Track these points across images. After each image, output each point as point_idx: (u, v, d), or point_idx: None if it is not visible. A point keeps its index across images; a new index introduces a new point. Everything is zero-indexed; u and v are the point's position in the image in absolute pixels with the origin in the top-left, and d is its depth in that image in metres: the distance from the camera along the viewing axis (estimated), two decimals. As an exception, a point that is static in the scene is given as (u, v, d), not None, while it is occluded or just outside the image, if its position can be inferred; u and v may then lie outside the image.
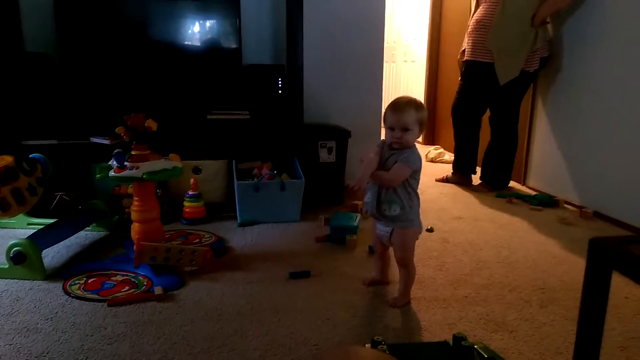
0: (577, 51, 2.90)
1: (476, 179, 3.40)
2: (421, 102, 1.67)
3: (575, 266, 2.06)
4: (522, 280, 1.91)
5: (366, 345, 1.28)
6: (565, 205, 2.94)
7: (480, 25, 3.08)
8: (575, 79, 2.92)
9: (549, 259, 2.14)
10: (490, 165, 3.28)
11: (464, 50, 3.27)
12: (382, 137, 3.46)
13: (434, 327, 1.57)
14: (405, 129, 1.60)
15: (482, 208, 2.89)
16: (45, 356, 1.40)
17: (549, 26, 3.03)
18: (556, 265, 2.06)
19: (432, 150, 4.29)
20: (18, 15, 2.78)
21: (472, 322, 1.60)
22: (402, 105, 1.62)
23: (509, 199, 3.02)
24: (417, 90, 5.09)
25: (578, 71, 2.90)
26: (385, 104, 3.57)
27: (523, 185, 3.40)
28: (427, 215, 2.72)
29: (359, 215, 2.48)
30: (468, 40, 3.21)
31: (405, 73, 5.47)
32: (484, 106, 3.23)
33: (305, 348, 1.45)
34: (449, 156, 4.12)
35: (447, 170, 3.58)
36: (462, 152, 3.37)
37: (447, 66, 4.62)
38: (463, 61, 3.27)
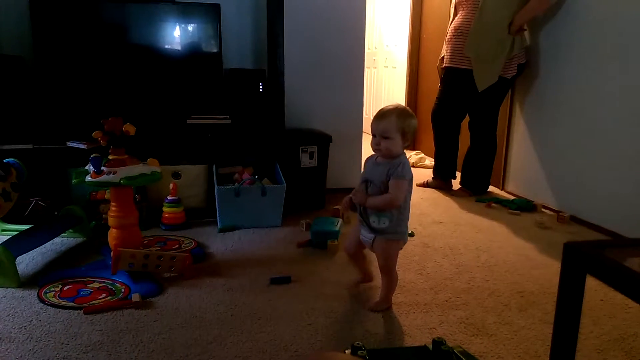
0: (553, 58, 2.96)
1: (456, 184, 3.43)
2: (408, 111, 1.61)
3: (552, 270, 2.09)
4: (501, 284, 1.93)
5: (346, 351, 1.28)
6: (543, 210, 2.99)
7: (459, 33, 3.12)
8: (551, 85, 2.98)
9: (527, 262, 2.16)
10: (470, 170, 3.32)
11: (443, 57, 3.31)
12: (363, 142, 3.49)
13: (415, 332, 1.57)
14: (385, 137, 1.56)
15: (462, 212, 2.92)
16: (18, 366, 1.37)
17: (526, 33, 3.09)
18: (534, 269, 2.09)
19: (413, 155, 4.32)
20: (-8, 17, 2.72)
21: (452, 326, 1.61)
22: (384, 112, 1.59)
23: (488, 203, 3.06)
24: (398, 96, 5.13)
25: (554, 77, 2.96)
26: (366, 109, 3.59)
27: (502, 190, 3.45)
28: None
29: (340, 220, 2.48)
30: (447, 47, 3.25)
31: (386, 79, 5.51)
32: (463, 112, 3.27)
33: (286, 354, 1.44)
34: (430, 161, 4.16)
35: (428, 175, 3.61)
36: (442, 157, 3.41)
37: (427, 72, 4.67)
38: (442, 68, 3.31)
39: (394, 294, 1.77)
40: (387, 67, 5.48)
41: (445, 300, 1.79)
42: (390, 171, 1.56)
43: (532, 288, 1.91)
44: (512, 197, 3.22)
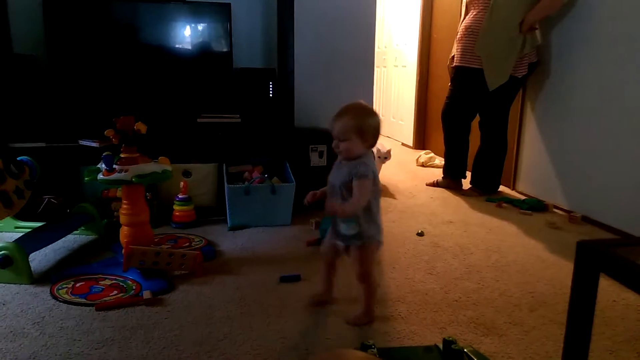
0: (565, 57, 2.93)
1: (466, 184, 3.41)
2: (366, 109, 1.51)
3: (564, 270, 2.07)
4: (511, 285, 1.92)
5: (356, 349, 1.27)
6: (554, 210, 2.96)
7: (469, 32, 3.11)
8: (563, 85, 2.95)
9: (538, 263, 2.15)
10: (480, 170, 3.30)
11: (453, 56, 3.30)
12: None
13: (425, 331, 1.57)
14: (341, 139, 1.48)
15: (472, 212, 2.90)
16: (31, 362, 1.38)
17: (538, 32, 3.06)
18: (545, 269, 2.08)
19: (423, 155, 4.31)
20: (6, 17, 2.75)
21: (462, 325, 1.60)
22: (340, 112, 1.51)
23: (498, 203, 3.04)
24: (408, 95, 5.12)
25: (566, 77, 2.93)
26: (376, 108, 3.59)
27: (513, 189, 3.43)
28: (417, 219, 2.73)
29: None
30: (457, 46, 3.23)
31: (396, 78, 5.50)
32: (474, 111, 3.26)
33: (295, 352, 1.45)
34: (439, 160, 4.14)
35: (438, 174, 3.59)
36: (452, 156, 3.39)
37: (437, 71, 4.65)
38: (453, 67, 3.30)
39: (402, 293, 1.76)
40: (396, 66, 5.46)
41: (455, 300, 1.78)
42: (352, 172, 1.47)
43: (543, 288, 1.89)
44: (523, 197, 3.20)
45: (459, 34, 3.24)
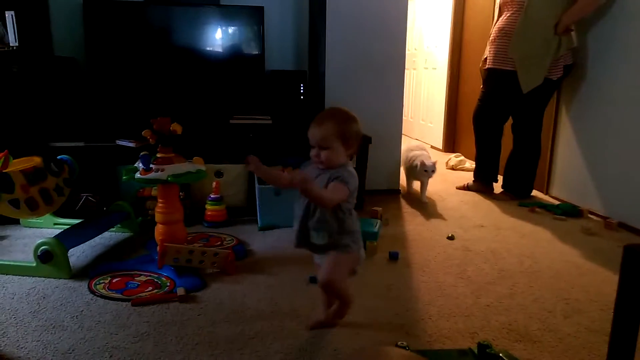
0: (603, 59, 2.86)
1: (498, 187, 3.36)
2: (348, 115, 1.40)
3: (600, 277, 2.02)
4: (545, 291, 1.89)
5: (388, 350, 1.28)
6: (589, 216, 2.89)
7: (503, 33, 3.07)
8: (601, 88, 2.88)
9: (572, 269, 2.10)
10: (513, 174, 3.24)
11: (486, 58, 3.26)
12: (403, 144, 3.46)
13: (456, 336, 1.55)
14: (323, 147, 1.36)
15: (504, 217, 2.86)
16: (70, 353, 1.43)
17: (574, 34, 3.00)
18: (580, 276, 2.03)
19: (453, 158, 4.26)
20: (48, 20, 2.85)
21: (494, 331, 1.58)
22: (320, 118, 1.39)
23: (531, 208, 2.98)
24: (438, 98, 5.08)
25: (603, 79, 2.86)
26: (406, 110, 3.57)
27: (546, 194, 3.36)
28: (447, 223, 2.71)
29: (378, 222, 2.47)
30: (490, 48, 3.19)
31: (426, 80, 5.46)
32: (507, 114, 3.21)
33: (325, 352, 1.45)
34: (470, 164, 4.09)
35: (468, 178, 3.55)
36: (483, 160, 3.35)
37: (468, 73, 4.60)
38: (485, 69, 3.26)
39: (433, 296, 1.75)
40: (427, 68, 5.42)
41: (487, 305, 1.76)
42: (331, 176, 1.35)
43: (578, 295, 1.85)
44: (557, 202, 3.13)
45: (491, 35, 3.20)
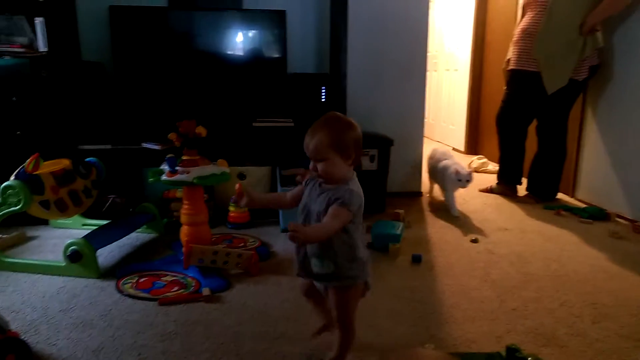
0: (630, 59, 2.80)
1: (522, 190, 3.32)
2: (343, 121, 1.25)
3: (628, 281, 1.98)
4: (572, 295, 1.86)
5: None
6: (617, 219, 2.83)
7: (526, 34, 3.03)
8: (628, 88, 2.82)
9: (600, 273, 2.06)
10: (538, 176, 3.20)
11: (509, 59, 3.22)
12: (425, 146, 3.44)
13: (481, 339, 1.54)
14: (318, 159, 1.22)
15: (529, 220, 2.82)
16: (100, 351, 1.46)
17: (600, 34, 2.94)
18: (608, 281, 1.99)
19: (475, 160, 4.22)
20: (76, 26, 2.92)
21: (520, 335, 1.57)
22: (312, 127, 1.24)
23: (557, 211, 2.94)
24: (460, 100, 5.04)
25: (630, 80, 2.80)
26: (427, 112, 3.56)
27: (572, 197, 3.30)
28: (470, 226, 2.68)
29: (401, 224, 2.46)
30: (514, 49, 3.15)
31: (447, 82, 5.42)
32: (531, 116, 3.17)
33: (350, 354, 1.45)
34: (493, 166, 4.05)
35: (491, 180, 3.51)
36: (507, 162, 3.31)
37: (491, 75, 4.55)
38: (508, 70, 3.22)
39: (457, 300, 1.74)
40: (448, 70, 5.38)
41: (513, 309, 1.74)
42: (331, 198, 1.20)
43: (606, 300, 1.82)
44: (583, 205, 3.07)
45: (515, 36, 3.16)
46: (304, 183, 1.33)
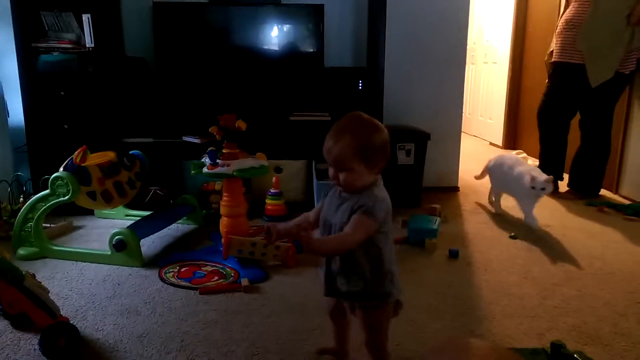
0: (683, 50, 2.68)
1: (563, 186, 3.23)
2: (369, 123, 1.12)
3: (677, 282, 1.91)
4: (617, 293, 1.80)
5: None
6: (664, 217, 2.72)
7: (570, 25, 2.94)
8: (680, 81, 2.70)
9: (647, 272, 2.00)
10: (580, 172, 3.11)
11: (552, 51, 3.13)
12: (462, 141, 3.38)
13: (521, 336, 1.52)
14: (340, 168, 1.10)
15: (571, 216, 2.75)
16: (145, 337, 1.52)
17: (650, 24, 2.82)
18: (655, 280, 1.92)
19: (514, 155, 4.12)
20: (120, 23, 3.01)
21: (562, 333, 1.54)
22: (335, 133, 1.11)
23: (600, 207, 2.85)
24: (498, 93, 4.93)
25: (683, 72, 2.68)
26: (464, 106, 3.49)
27: (615, 193, 3.19)
28: (509, 222, 2.63)
29: (438, 219, 2.44)
30: (557, 40, 3.07)
31: (485, 75, 5.31)
32: (574, 109, 3.07)
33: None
34: (532, 161, 3.95)
35: (530, 175, 3.43)
36: (548, 157, 3.22)
37: (531, 67, 4.44)
38: (551, 62, 3.13)
39: (494, 296, 1.72)
40: (486, 62, 5.27)
41: (554, 307, 1.71)
42: (354, 206, 1.09)
43: (653, 300, 1.76)
44: (627, 202, 2.97)
45: (558, 27, 3.07)
46: (322, 197, 1.22)
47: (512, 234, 2.40)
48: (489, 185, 2.92)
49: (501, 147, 4.80)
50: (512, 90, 4.73)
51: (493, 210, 2.84)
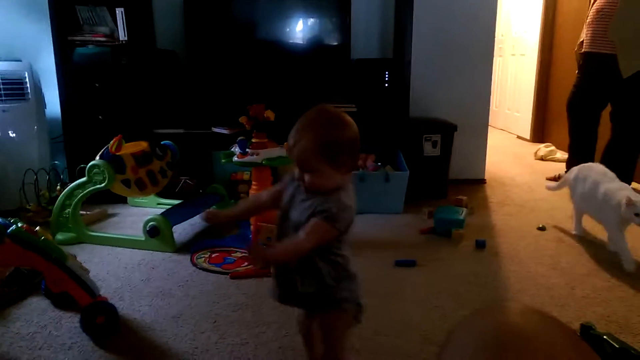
0: None
1: (592, 179, 3.18)
2: (334, 117, 1.02)
3: None
4: (648, 285, 1.79)
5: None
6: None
7: (601, 15, 2.88)
8: None
9: (679, 265, 1.96)
10: (611, 165, 3.00)
11: (582, 42, 3.08)
12: (489, 134, 3.35)
13: (549, 324, 1.52)
14: (304, 169, 1.00)
15: (600, 209, 2.71)
16: (179, 318, 1.58)
17: (685, 13, 2.75)
18: (689, 272, 1.89)
19: (542, 148, 4.07)
20: (151, 16, 3.08)
21: (591, 321, 1.53)
22: (297, 129, 1.02)
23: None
24: (526, 85, 4.86)
25: None
26: (493, 98, 3.46)
27: (647, 187, 3.13)
28: (537, 214, 2.61)
29: (464, 209, 2.44)
30: (587, 30, 3.01)
31: (513, 67, 5.24)
32: (604, 101, 3.02)
33: (415, 332, 1.49)
34: (561, 154, 3.89)
35: (559, 169, 3.39)
36: (578, 149, 3.17)
37: (561, 58, 4.36)
38: (581, 53, 3.08)
39: (525, 285, 1.72)
40: (514, 54, 5.20)
41: (583, 297, 1.70)
42: (316, 209, 0.98)
43: (686, 292, 1.74)
44: (660, 195, 2.90)
45: (588, 17, 3.01)
46: (286, 180, 1.10)
47: (540, 225, 2.39)
48: (521, 178, 2.87)
49: (529, 141, 4.73)
50: (541, 82, 4.65)
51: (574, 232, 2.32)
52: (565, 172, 3.26)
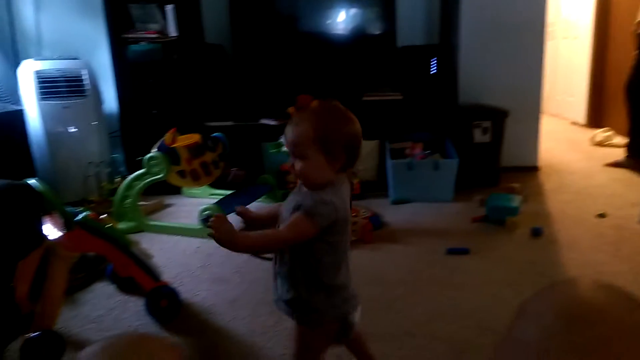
0: None
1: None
2: (335, 112, 1.00)
3: None
4: None
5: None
6: None
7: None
8: None
9: None
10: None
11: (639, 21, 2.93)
12: (541, 119, 3.24)
13: (613, 312, 1.47)
14: (296, 154, 0.97)
15: (664, 195, 2.58)
16: (236, 302, 1.63)
17: None
18: None
19: (600, 133, 3.90)
20: (199, 11, 3.15)
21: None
22: (300, 114, 1.02)
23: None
24: (580, 69, 4.65)
25: None
26: (544, 84, 3.34)
27: None
28: (596, 201, 2.51)
29: (518, 197, 2.38)
30: (648, 8, 2.86)
31: (564, 51, 5.03)
32: (667, 82, 2.86)
33: (470, 319, 1.47)
34: (620, 139, 3.72)
35: (617, 154, 3.24)
36: (638, 133, 3.03)
37: (618, 39, 4.15)
38: (639, 33, 2.93)
39: (579, 272, 1.66)
40: (566, 37, 4.99)
41: (649, 284, 1.63)
42: (297, 203, 0.96)
43: None
44: None
45: (650, -6, 2.86)
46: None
47: (600, 212, 2.30)
48: (577, 165, 2.76)
49: (585, 126, 4.54)
50: (596, 65, 4.45)
51: None
52: (626, 156, 3.13)
